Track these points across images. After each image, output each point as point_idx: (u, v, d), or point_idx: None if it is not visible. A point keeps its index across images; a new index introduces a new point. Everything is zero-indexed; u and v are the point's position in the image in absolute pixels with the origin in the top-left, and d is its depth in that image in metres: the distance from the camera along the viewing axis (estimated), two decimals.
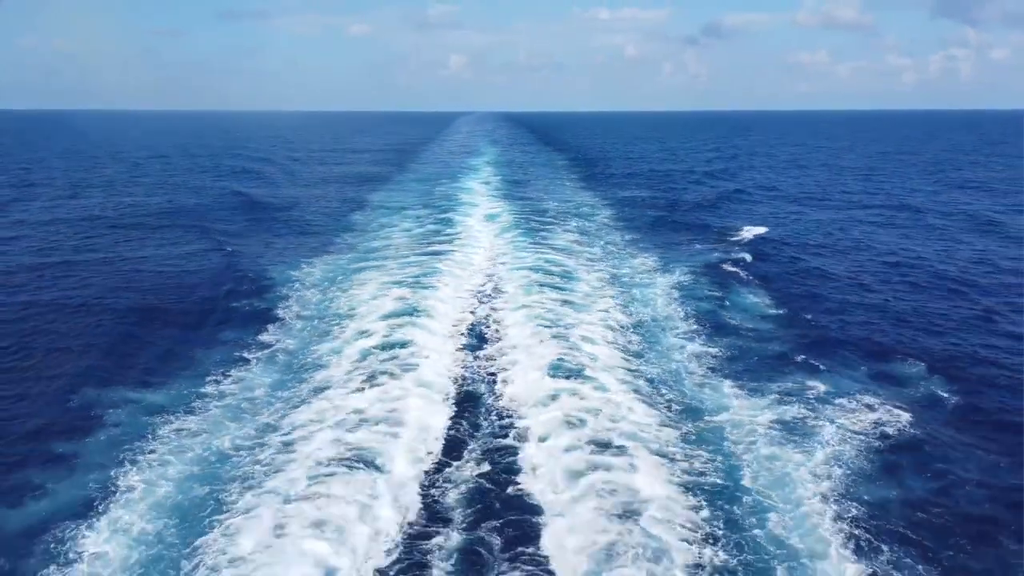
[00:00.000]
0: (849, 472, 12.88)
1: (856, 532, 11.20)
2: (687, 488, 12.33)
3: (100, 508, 11.84)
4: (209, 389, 16.49)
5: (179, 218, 41.28)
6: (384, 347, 18.56)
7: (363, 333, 19.74)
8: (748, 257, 30.11)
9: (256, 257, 30.20)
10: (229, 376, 17.24)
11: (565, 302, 22.52)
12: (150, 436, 14.17)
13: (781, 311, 22.67)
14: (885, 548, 10.88)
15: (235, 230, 37.56)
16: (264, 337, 19.99)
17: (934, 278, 27.27)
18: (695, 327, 20.83)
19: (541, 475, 12.80)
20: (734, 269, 28.08)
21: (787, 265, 29.39)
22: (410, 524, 11.47)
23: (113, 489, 12.35)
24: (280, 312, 22.26)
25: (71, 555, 10.73)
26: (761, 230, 36.78)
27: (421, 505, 11.97)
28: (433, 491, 12.41)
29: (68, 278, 27.37)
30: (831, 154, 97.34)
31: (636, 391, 16.15)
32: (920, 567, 10.56)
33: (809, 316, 22.13)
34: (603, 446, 13.54)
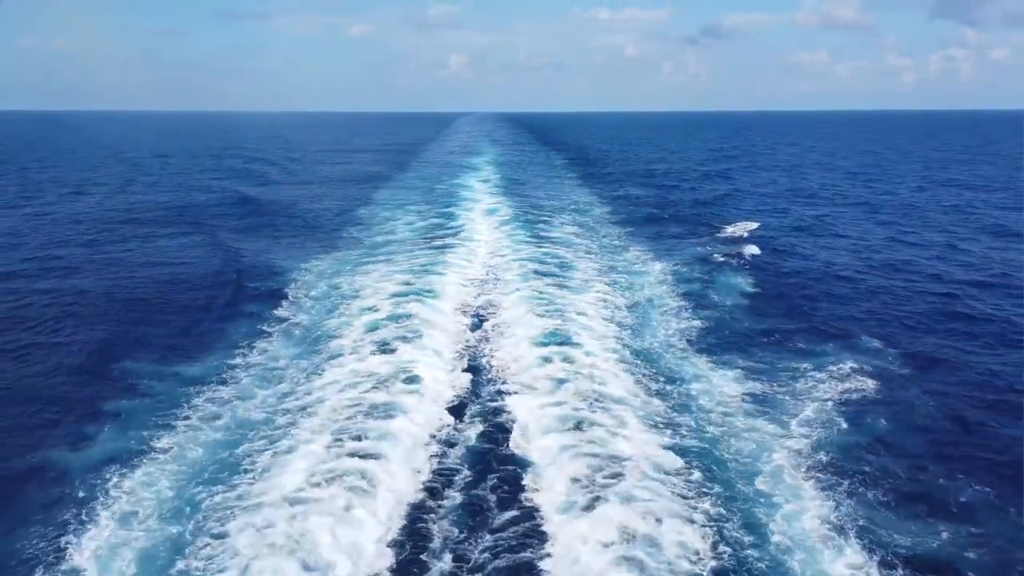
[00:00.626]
0: (820, 431, 14.30)
1: (823, 477, 12.68)
2: (672, 448, 13.53)
3: (136, 463, 13.16)
4: (238, 360, 18.08)
5: (185, 215, 42.21)
6: (392, 319, 20.18)
7: (371, 309, 21.33)
8: (738, 248, 31.49)
9: (262, 251, 31.36)
10: (254, 348, 18.87)
11: (561, 286, 23.98)
12: (185, 404, 15.57)
13: (765, 295, 24.25)
14: (846, 482, 12.50)
15: (240, 226, 38.56)
16: (280, 312, 21.73)
17: (905, 265, 29.01)
18: (682, 304, 22.57)
19: (532, 433, 14.11)
20: (723, 259, 29.45)
21: (773, 255, 30.74)
22: (420, 483, 12.65)
23: (147, 450, 13.64)
24: (293, 293, 23.78)
25: (111, 495, 12.23)
26: (752, 225, 38.09)
27: (429, 463, 13.24)
28: (438, 450, 13.72)
29: (85, 269, 28.65)
30: (825, 154, 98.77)
31: (623, 360, 17.63)
32: (872, 493, 12.21)
33: (791, 299, 23.74)
34: (590, 407, 14.92)
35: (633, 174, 68.34)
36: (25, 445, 14.04)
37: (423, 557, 10.81)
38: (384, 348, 18.11)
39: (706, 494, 12.10)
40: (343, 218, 40.43)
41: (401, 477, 12.69)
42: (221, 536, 11.08)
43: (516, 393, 15.92)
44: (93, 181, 60.69)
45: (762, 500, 11.99)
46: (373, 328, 19.68)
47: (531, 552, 10.82)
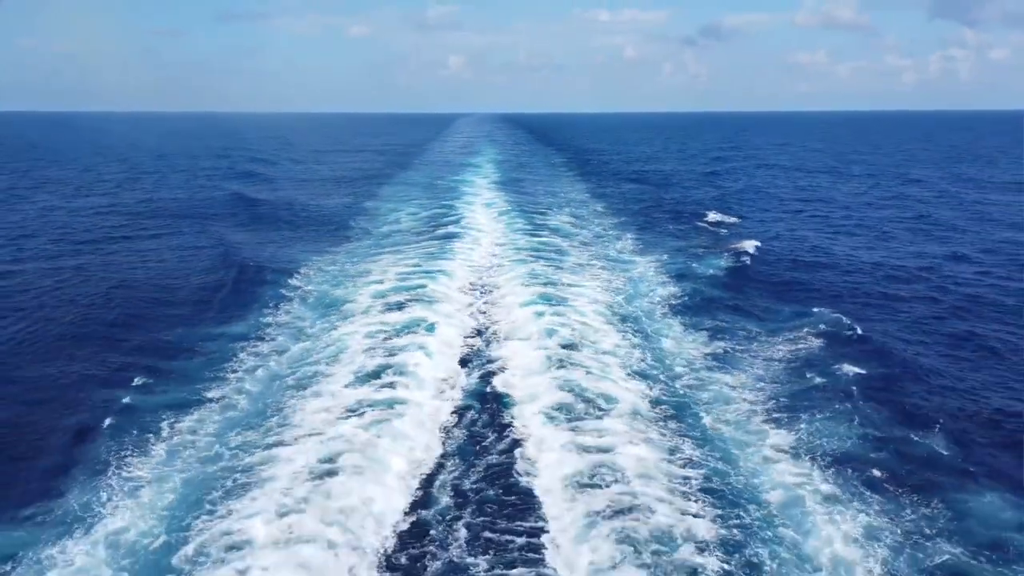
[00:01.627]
0: (774, 380, 16.82)
1: (779, 417, 15.09)
2: (646, 390, 15.99)
3: (191, 411, 15.27)
4: (268, 319, 21.11)
5: (192, 212, 43.38)
6: (401, 290, 23.01)
7: (379, 282, 24.35)
8: (722, 240, 33.90)
9: (269, 244, 32.97)
10: (280, 310, 21.97)
11: (557, 267, 26.61)
12: (233, 359, 18.08)
13: (741, 276, 26.84)
14: (806, 415, 14.99)
15: (245, 222, 40.01)
16: (296, 282, 24.87)
17: (870, 253, 31.60)
18: (665, 280, 25.48)
19: (525, 379, 16.54)
20: (708, 248, 31.87)
21: (754, 245, 32.52)
22: (436, 424, 14.72)
23: (197, 399, 15.84)
24: (310, 275, 26.14)
25: (164, 433, 14.37)
26: (739, 220, 40.27)
27: (443, 407, 15.48)
28: (448, 396, 16.06)
29: (113, 255, 30.74)
30: (814, 152, 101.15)
31: (610, 323, 20.34)
32: (813, 423, 14.65)
33: (763, 281, 26.28)
34: (577, 356, 17.50)
35: (630, 172, 69.91)
36: (95, 391, 16.34)
37: (434, 491, 12.47)
38: (398, 308, 21.06)
39: (673, 428, 14.36)
40: (347, 213, 41.76)
41: (419, 417, 14.68)
42: (259, 470, 12.73)
43: (514, 343, 18.57)
44: (98, 179, 62.01)
45: (722, 434, 14.26)
46: (382, 295, 22.66)
47: (520, 478, 12.75)
